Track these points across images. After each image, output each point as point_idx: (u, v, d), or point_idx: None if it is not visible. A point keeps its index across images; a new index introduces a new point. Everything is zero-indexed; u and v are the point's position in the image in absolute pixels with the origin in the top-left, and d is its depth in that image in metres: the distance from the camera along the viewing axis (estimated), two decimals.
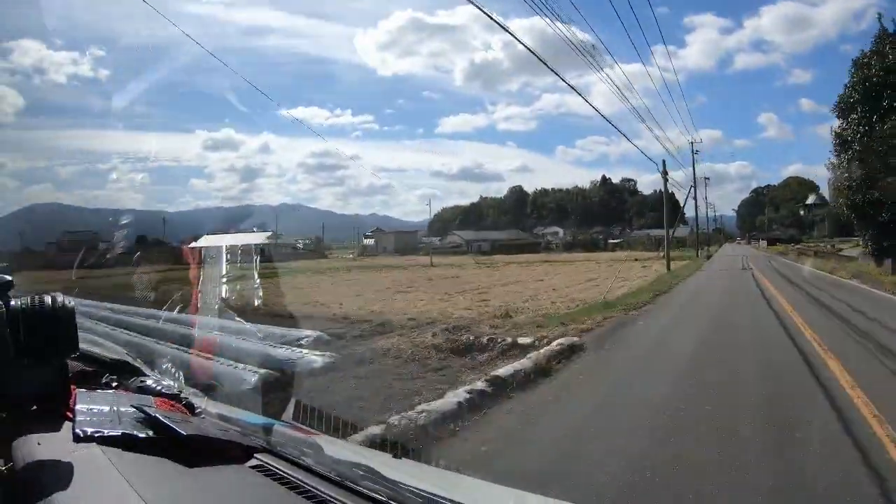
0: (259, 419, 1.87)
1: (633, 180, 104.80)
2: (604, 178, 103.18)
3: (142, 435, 1.31)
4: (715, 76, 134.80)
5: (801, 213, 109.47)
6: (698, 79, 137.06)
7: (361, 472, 1.35)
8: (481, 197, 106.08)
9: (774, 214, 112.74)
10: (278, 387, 3.42)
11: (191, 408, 1.67)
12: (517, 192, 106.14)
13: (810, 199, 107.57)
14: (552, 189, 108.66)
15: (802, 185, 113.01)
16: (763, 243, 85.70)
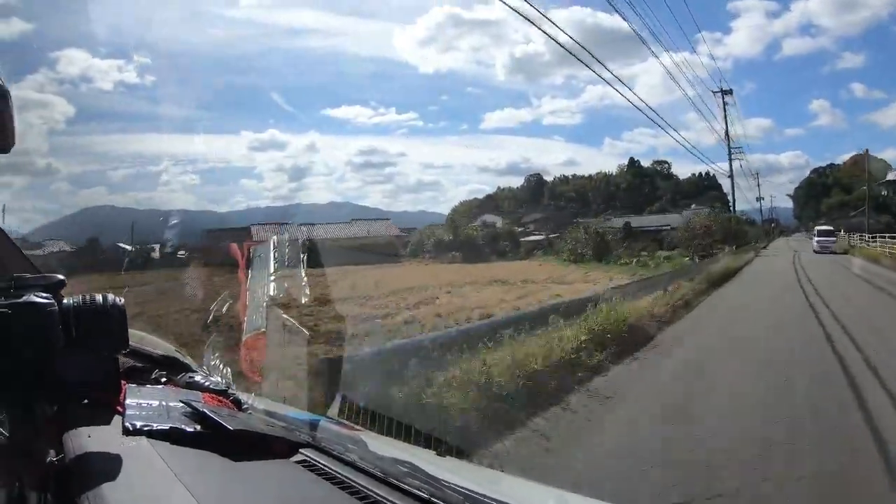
0: (305, 415, 1.89)
1: (667, 162, 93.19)
2: (631, 160, 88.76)
3: (190, 429, 1.34)
4: (762, 62, 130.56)
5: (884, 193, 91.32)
6: (745, 66, 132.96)
7: (405, 469, 1.35)
8: (498, 187, 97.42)
9: (846, 197, 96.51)
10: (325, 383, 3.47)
11: (238, 404, 1.70)
12: (534, 181, 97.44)
13: (891, 176, 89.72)
14: (573, 176, 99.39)
15: (876, 164, 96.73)
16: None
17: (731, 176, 48.52)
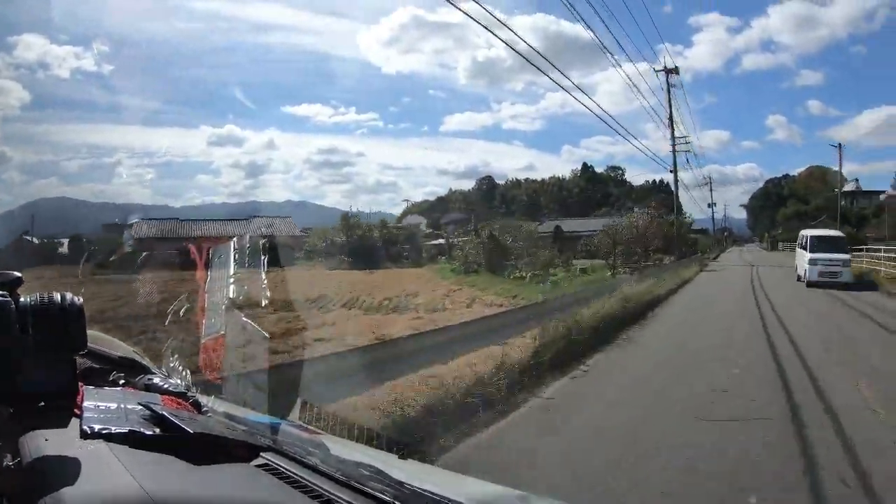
0: (265, 419, 1.88)
1: (621, 168, 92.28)
2: (585, 165, 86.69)
3: (149, 432, 1.32)
4: (722, 76, 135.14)
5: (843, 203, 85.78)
6: (705, 79, 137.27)
7: (367, 472, 1.35)
8: (450, 189, 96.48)
9: (803, 207, 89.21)
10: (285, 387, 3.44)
11: (198, 406, 1.68)
12: (486, 183, 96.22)
13: (848, 187, 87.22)
14: (525, 179, 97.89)
15: (831, 175, 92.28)
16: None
17: (674, 171, 40.87)
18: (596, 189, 77.26)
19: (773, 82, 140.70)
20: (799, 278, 22.66)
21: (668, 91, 39.50)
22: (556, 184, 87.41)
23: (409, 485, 1.28)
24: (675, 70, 39.69)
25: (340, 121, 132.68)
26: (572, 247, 37.65)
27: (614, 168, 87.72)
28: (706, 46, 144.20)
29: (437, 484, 1.35)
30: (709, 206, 77.77)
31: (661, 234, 37.23)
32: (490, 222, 41.12)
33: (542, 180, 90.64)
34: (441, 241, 43.68)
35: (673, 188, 43.17)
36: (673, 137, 39.93)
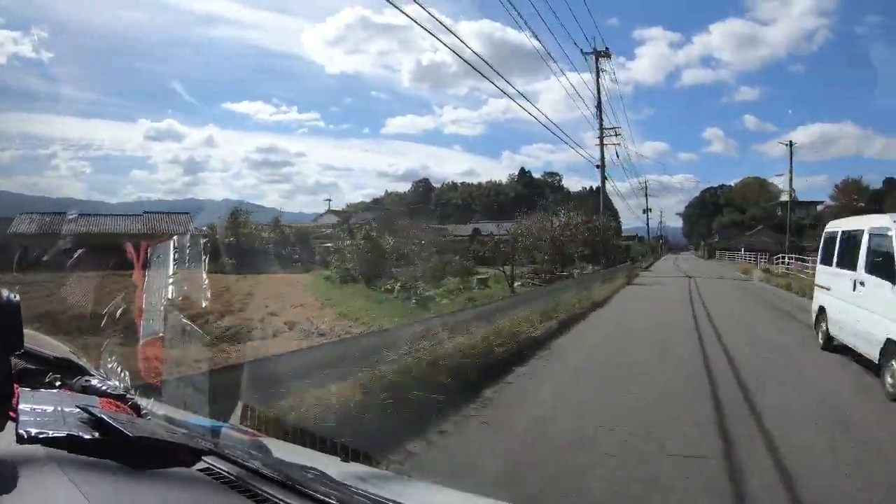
0: (206, 421, 1.86)
1: (558, 174, 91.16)
2: (522, 170, 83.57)
3: (87, 436, 1.29)
4: (663, 89, 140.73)
5: (779, 213, 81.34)
6: (646, 92, 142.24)
7: (310, 476, 1.36)
8: (386, 191, 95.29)
9: (740, 216, 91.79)
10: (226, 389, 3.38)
11: (137, 409, 1.65)
12: (422, 186, 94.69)
13: (784, 197, 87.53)
14: (461, 183, 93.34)
15: (765, 186, 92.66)
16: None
17: (600, 165, 36.13)
18: (532, 194, 74.98)
19: (711, 97, 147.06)
20: (829, 340, 9.92)
21: (598, 75, 35.48)
22: (493, 188, 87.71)
23: (353, 487, 1.30)
24: (607, 53, 35.97)
25: (282, 119, 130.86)
26: (495, 251, 30.86)
27: (552, 174, 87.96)
28: (648, 60, 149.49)
29: (382, 487, 1.38)
30: (644, 211, 78.00)
31: (584, 239, 32.04)
32: (412, 223, 35.51)
33: (479, 184, 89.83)
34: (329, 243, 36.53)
35: (601, 183, 37.91)
36: (601, 128, 35.72)
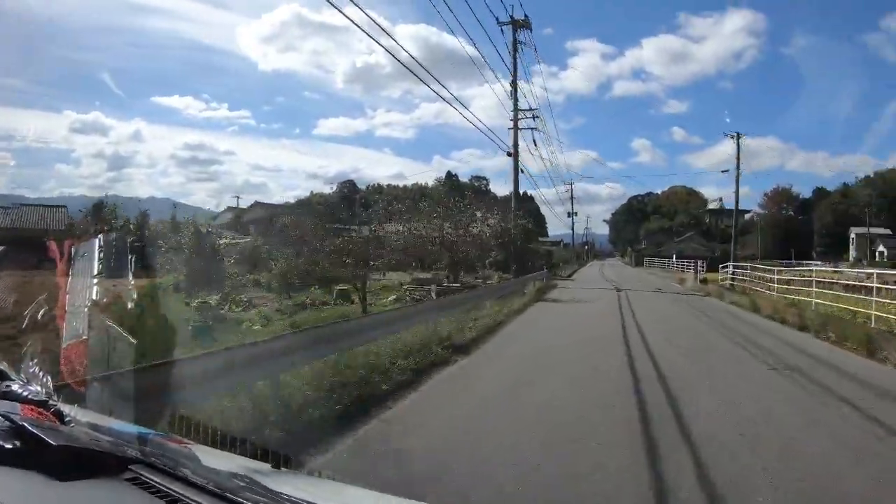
0: (133, 428, 1.81)
1: (485, 178, 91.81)
2: (449, 174, 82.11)
3: (8, 445, 1.26)
4: (595, 99, 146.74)
5: (707, 220, 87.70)
6: (577, 101, 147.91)
7: (241, 483, 1.35)
8: (311, 192, 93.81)
9: (668, 222, 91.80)
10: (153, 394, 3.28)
11: (60, 416, 1.60)
12: (347, 187, 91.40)
13: (712, 205, 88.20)
14: (387, 185, 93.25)
15: (692, 195, 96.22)
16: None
17: (513, 152, 29.67)
18: (458, 197, 73.55)
19: (640, 108, 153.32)
20: None
21: (515, 47, 29.70)
22: (419, 191, 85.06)
23: (284, 495, 1.30)
24: (526, 23, 30.35)
25: (211, 116, 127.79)
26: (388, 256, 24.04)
27: (479, 178, 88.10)
28: (581, 70, 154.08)
29: (313, 493, 1.38)
30: (569, 215, 75.28)
31: (492, 243, 27.84)
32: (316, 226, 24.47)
33: (404, 187, 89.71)
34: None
35: (514, 174, 31.25)
36: (515, 107, 29.90)
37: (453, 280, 24.36)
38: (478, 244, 26.94)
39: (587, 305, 19.67)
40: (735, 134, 36.57)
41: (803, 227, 72.37)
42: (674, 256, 54.69)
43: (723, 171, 36.71)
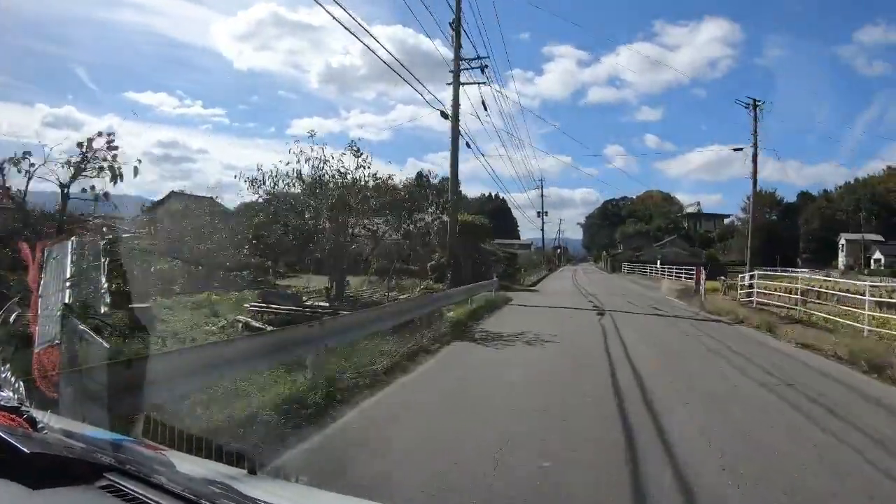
0: (107, 435, 1.80)
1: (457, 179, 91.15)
2: (419, 174, 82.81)
3: None
4: (568, 105, 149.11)
5: (685, 224, 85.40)
6: (552, 106, 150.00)
7: (217, 490, 1.34)
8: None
9: (645, 226, 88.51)
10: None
11: (33, 422, 1.59)
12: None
13: (689, 209, 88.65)
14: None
15: (667, 200, 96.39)
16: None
17: (451, 112, 21.11)
18: (426, 197, 70.71)
19: (614, 115, 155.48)
20: None
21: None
22: (387, 189, 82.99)
23: (261, 501, 1.30)
24: None
25: (185, 113, 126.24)
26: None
27: (447, 178, 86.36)
28: (555, 76, 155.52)
29: (290, 499, 1.39)
30: (538, 214, 69.97)
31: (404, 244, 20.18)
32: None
33: (373, 185, 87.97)
34: None
35: (452, 140, 21.64)
36: (457, 55, 21.47)
37: (337, 291, 15.47)
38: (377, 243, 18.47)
39: (543, 353, 9.79)
40: (752, 101, 28.73)
41: (787, 233, 68.98)
42: (658, 262, 49.24)
43: (736, 149, 28.70)
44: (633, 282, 40.64)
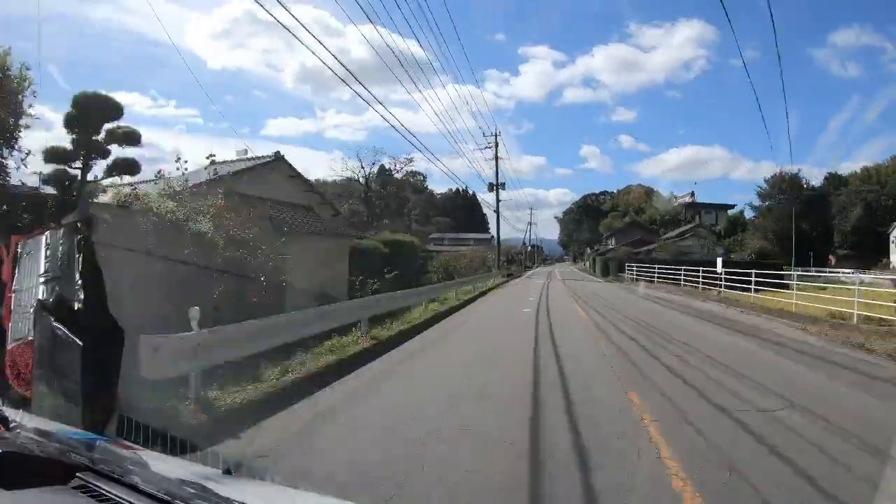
0: (80, 434, 1.78)
1: (422, 175, 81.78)
2: (382, 167, 75.25)
3: None
4: (544, 106, 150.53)
5: (683, 216, 71.72)
6: (527, 108, 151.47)
7: (192, 490, 1.33)
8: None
9: (635, 217, 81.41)
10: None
11: (4, 421, 1.57)
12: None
13: (683, 199, 78.08)
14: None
15: (651, 194, 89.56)
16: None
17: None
18: (389, 193, 65.38)
19: (590, 116, 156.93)
20: None
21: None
22: (348, 187, 74.94)
23: (236, 501, 1.30)
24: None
25: (158, 114, 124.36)
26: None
27: (414, 173, 76.15)
28: (531, 77, 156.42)
29: (266, 499, 1.38)
30: (491, 188, 47.00)
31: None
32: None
33: (335, 181, 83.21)
34: None
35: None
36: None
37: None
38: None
39: None
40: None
41: (817, 224, 52.89)
42: (718, 263, 24.85)
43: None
44: (712, 318, 15.51)
